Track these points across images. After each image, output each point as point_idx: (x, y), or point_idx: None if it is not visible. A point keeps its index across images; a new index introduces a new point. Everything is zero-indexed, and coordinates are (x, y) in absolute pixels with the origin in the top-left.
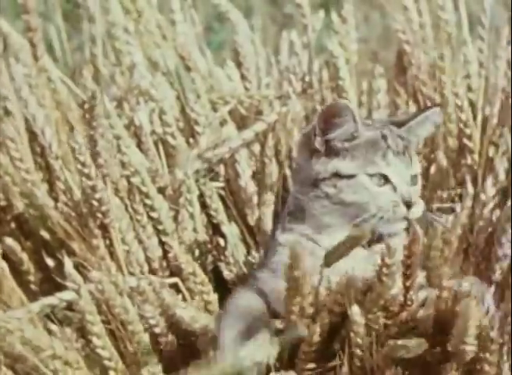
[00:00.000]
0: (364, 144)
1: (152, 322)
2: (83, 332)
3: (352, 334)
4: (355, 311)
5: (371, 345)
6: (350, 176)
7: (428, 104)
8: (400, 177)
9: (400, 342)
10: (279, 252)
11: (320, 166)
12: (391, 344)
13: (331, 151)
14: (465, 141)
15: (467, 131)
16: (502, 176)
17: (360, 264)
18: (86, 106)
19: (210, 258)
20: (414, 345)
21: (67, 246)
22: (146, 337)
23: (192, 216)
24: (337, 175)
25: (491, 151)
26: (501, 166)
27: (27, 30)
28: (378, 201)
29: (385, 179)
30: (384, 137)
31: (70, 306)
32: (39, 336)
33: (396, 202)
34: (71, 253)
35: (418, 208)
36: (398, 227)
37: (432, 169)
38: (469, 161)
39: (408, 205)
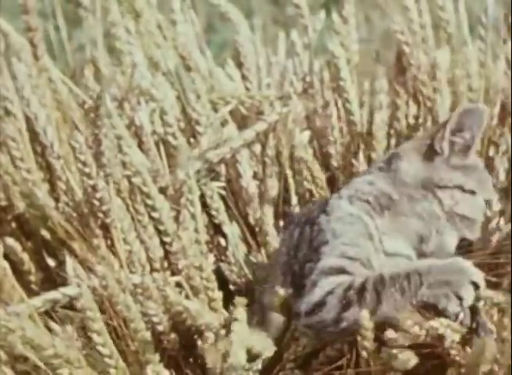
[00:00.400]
0: (480, 169)
1: (155, 319)
2: (84, 331)
3: (359, 337)
4: (364, 315)
5: (377, 349)
6: (472, 192)
7: (428, 104)
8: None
9: (394, 351)
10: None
11: (445, 173)
12: (385, 351)
13: (452, 160)
14: None
15: None
16: (502, 176)
17: None
18: (90, 106)
19: (212, 259)
20: (404, 358)
21: (68, 246)
22: (148, 336)
23: (193, 216)
24: (460, 188)
25: (491, 151)
26: (501, 165)
27: (27, 30)
28: (471, 215)
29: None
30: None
31: (71, 305)
32: (40, 335)
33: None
34: (72, 253)
35: None
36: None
37: None
38: None
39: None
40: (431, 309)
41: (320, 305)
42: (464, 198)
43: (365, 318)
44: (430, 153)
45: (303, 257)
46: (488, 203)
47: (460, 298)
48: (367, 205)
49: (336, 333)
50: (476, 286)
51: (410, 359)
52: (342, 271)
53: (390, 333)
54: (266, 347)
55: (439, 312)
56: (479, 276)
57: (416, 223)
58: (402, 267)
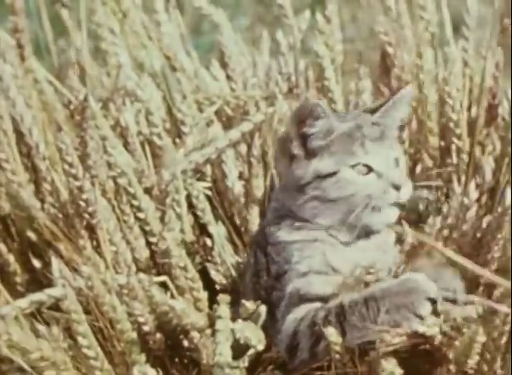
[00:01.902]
0: (340, 137)
1: (141, 320)
2: (69, 332)
3: (332, 353)
4: (330, 332)
5: (351, 359)
6: (332, 174)
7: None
8: (382, 163)
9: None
10: (298, 249)
11: (301, 170)
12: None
13: (309, 154)
14: (455, 140)
15: (457, 131)
16: (488, 176)
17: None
18: (76, 107)
19: (198, 259)
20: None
21: (54, 247)
22: (134, 336)
23: (179, 216)
24: (319, 176)
25: (477, 151)
26: (488, 165)
27: (15, 30)
28: (365, 190)
29: (368, 168)
30: (359, 127)
31: (57, 306)
32: (26, 338)
33: (384, 187)
34: (58, 254)
35: (408, 189)
36: (391, 214)
37: (418, 169)
38: (455, 160)
39: (397, 187)
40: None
41: (293, 347)
42: (331, 182)
43: (332, 335)
44: (290, 157)
45: (265, 283)
46: (367, 167)
47: (420, 317)
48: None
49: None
50: (433, 300)
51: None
52: (307, 297)
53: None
54: (260, 341)
55: None
56: (433, 291)
57: (321, 221)
58: (361, 293)
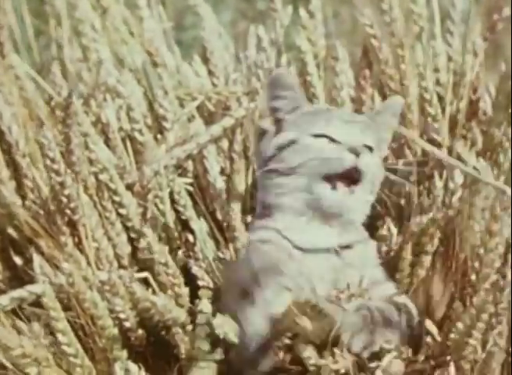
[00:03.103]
0: (308, 114)
1: (122, 316)
2: (51, 328)
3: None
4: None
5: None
6: (293, 142)
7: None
8: (345, 135)
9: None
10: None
11: (265, 145)
12: None
13: (277, 129)
14: (433, 135)
15: (436, 125)
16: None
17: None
18: (58, 104)
19: (180, 255)
20: None
21: (35, 244)
22: (116, 332)
23: (163, 213)
24: (281, 147)
25: (460, 146)
26: (470, 160)
27: None
28: (323, 154)
29: (332, 140)
30: (329, 110)
31: (38, 303)
32: (7, 335)
33: (341, 151)
34: (39, 251)
35: (367, 157)
36: (345, 192)
37: (400, 164)
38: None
39: (355, 152)
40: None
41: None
42: (292, 150)
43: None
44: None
45: None
46: (330, 140)
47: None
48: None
49: None
50: None
51: None
52: None
53: None
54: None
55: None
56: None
57: (287, 201)
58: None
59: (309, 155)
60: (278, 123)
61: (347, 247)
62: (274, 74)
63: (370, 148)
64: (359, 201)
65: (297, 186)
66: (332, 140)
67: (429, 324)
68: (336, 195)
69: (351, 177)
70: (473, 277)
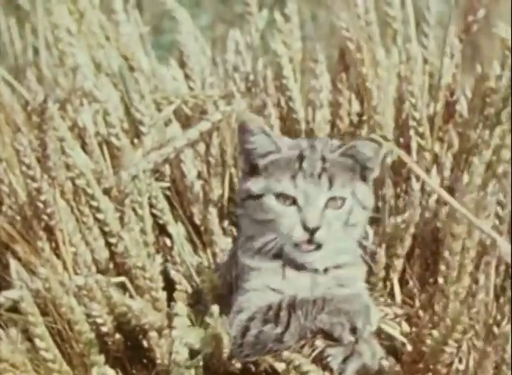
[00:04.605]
0: (278, 162)
1: (99, 320)
2: (27, 334)
3: None
4: None
5: None
6: (259, 196)
7: (373, 101)
8: (307, 200)
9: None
10: (253, 277)
11: (240, 185)
12: None
13: (251, 171)
14: (417, 138)
15: (420, 129)
16: (447, 172)
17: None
18: (33, 108)
19: (159, 260)
20: None
21: (11, 249)
22: (93, 337)
23: (141, 218)
24: (250, 196)
25: (436, 148)
26: (447, 160)
27: None
28: (280, 222)
29: (293, 201)
30: (300, 158)
31: (15, 308)
32: None
33: (295, 225)
34: (15, 256)
35: (322, 233)
36: (308, 258)
37: None
38: (414, 158)
39: (310, 230)
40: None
41: (244, 331)
42: (258, 203)
43: None
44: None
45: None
46: (292, 200)
47: (354, 330)
48: None
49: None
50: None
51: None
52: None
53: None
54: (206, 344)
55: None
56: (374, 315)
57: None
58: (313, 292)
59: (269, 216)
60: (252, 165)
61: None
62: (241, 119)
63: (342, 199)
64: (334, 246)
65: (267, 235)
66: (294, 202)
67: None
68: (302, 254)
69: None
70: (440, 281)
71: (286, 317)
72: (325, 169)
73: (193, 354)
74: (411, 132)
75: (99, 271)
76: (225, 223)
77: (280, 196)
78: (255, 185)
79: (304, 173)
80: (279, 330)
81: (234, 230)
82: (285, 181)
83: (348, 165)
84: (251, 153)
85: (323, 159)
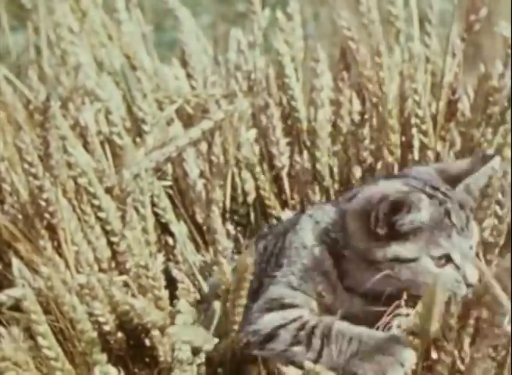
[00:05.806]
0: (428, 225)
1: (102, 319)
2: (30, 332)
3: None
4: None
5: None
6: (412, 260)
7: (374, 101)
8: (462, 256)
9: None
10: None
11: (378, 250)
12: None
13: (392, 235)
14: (421, 137)
15: (423, 128)
16: None
17: None
18: (35, 106)
19: (161, 259)
20: None
21: (14, 248)
22: (95, 336)
23: (143, 217)
24: (397, 260)
25: (439, 146)
26: (449, 160)
27: None
28: (441, 281)
29: (448, 258)
30: (447, 214)
31: (17, 307)
32: None
33: (458, 282)
34: (18, 255)
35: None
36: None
37: (379, 166)
38: (416, 157)
39: (469, 285)
40: None
41: (272, 336)
42: (408, 267)
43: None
44: (370, 231)
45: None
46: (447, 258)
47: None
48: (328, 240)
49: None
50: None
51: None
52: (291, 305)
53: None
54: (206, 341)
55: None
56: (409, 360)
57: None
58: (350, 328)
59: (425, 278)
60: (394, 231)
61: None
62: (405, 198)
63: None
64: None
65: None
66: (449, 259)
67: None
68: None
69: None
70: None
71: (318, 346)
72: (467, 217)
73: (195, 352)
74: (414, 130)
75: (101, 270)
76: (227, 222)
77: (437, 258)
78: (405, 250)
79: (456, 229)
80: (310, 356)
81: (236, 229)
82: (443, 242)
83: (470, 202)
84: (399, 222)
85: (461, 206)
